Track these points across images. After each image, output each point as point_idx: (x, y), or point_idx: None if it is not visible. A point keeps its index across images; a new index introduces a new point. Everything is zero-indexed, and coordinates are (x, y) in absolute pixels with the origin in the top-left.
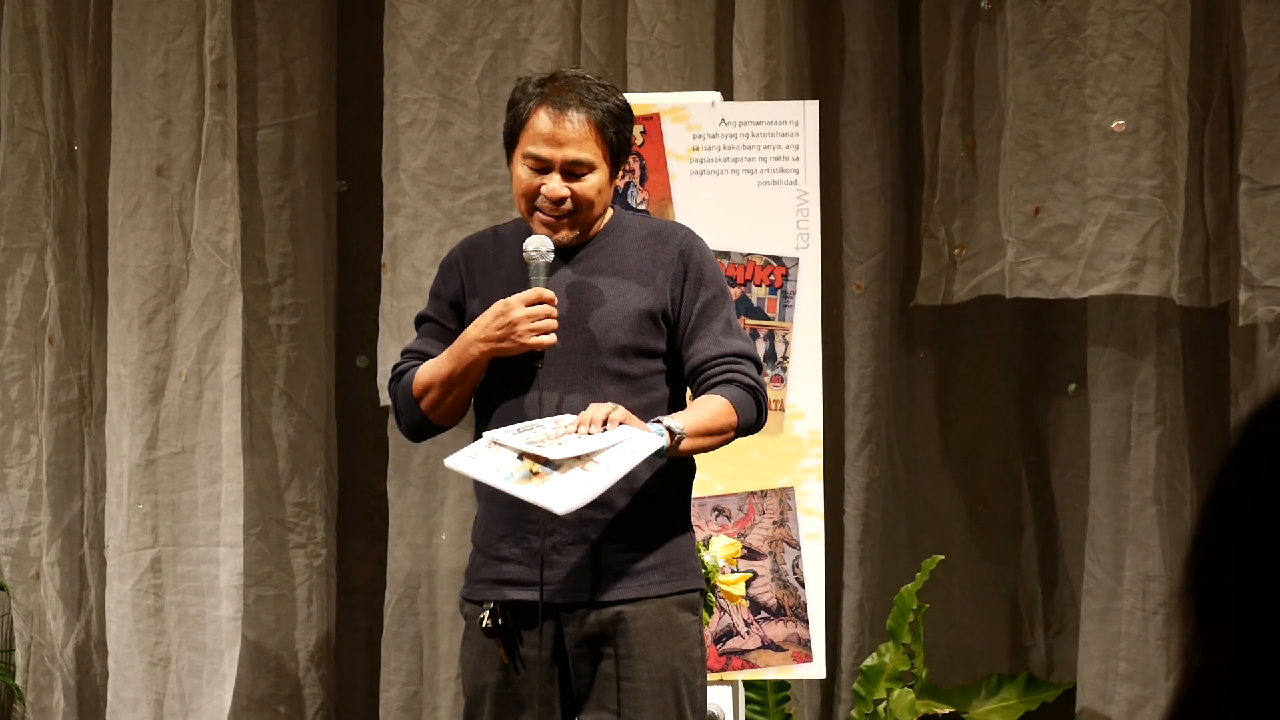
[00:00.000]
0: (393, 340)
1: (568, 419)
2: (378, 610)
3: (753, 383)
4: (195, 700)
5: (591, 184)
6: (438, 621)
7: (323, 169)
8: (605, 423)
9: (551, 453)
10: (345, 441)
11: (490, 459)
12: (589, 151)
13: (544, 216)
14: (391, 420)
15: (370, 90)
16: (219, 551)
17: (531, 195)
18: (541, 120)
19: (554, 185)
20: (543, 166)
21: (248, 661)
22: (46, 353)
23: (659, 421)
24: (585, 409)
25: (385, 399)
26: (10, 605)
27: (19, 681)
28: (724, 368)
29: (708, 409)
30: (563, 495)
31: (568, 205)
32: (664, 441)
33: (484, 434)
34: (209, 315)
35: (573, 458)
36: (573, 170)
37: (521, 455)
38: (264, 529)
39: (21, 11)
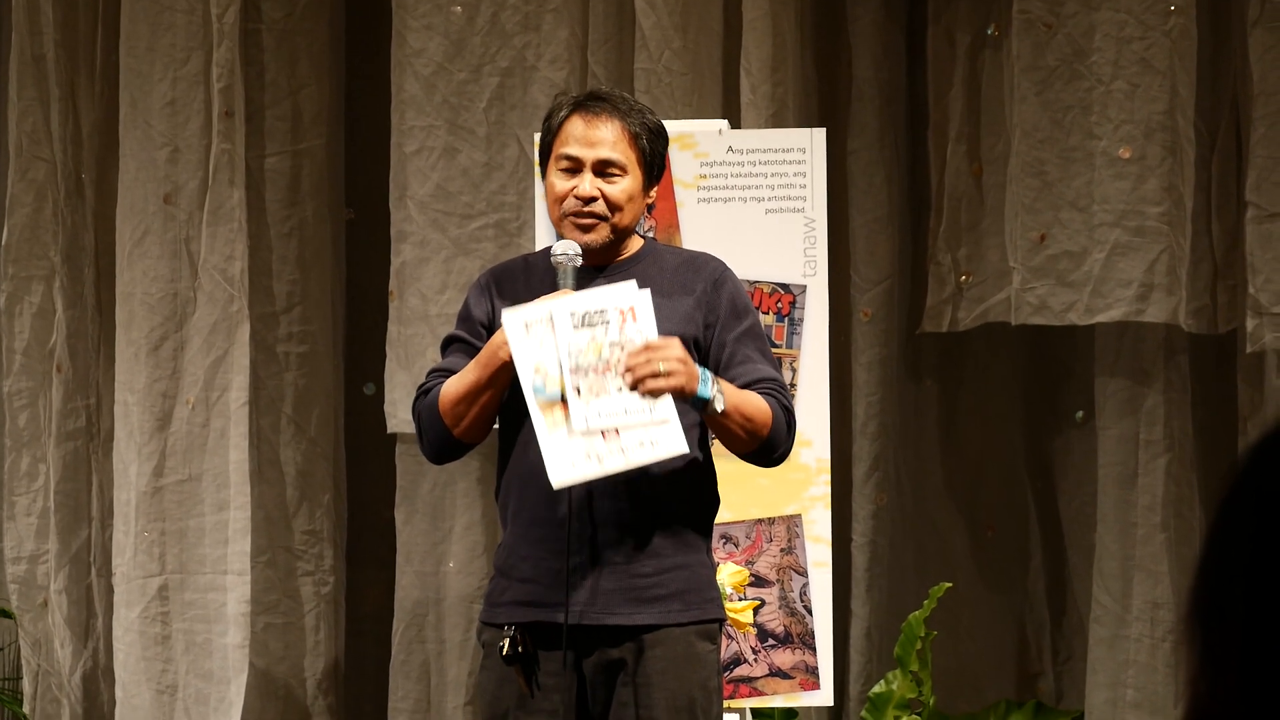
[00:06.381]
0: (400, 368)
1: (631, 330)
2: (386, 638)
3: (791, 408)
4: None
5: (622, 187)
6: (445, 649)
7: (330, 197)
8: (655, 376)
9: (577, 419)
10: (353, 469)
11: (540, 341)
12: (621, 154)
13: (574, 220)
14: (400, 447)
15: (378, 118)
16: (226, 579)
17: (564, 198)
18: (575, 124)
19: (584, 185)
20: (575, 166)
21: (255, 689)
22: (54, 381)
23: (706, 381)
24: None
25: (393, 426)
26: (18, 633)
27: (26, 709)
28: (767, 387)
29: (752, 398)
30: (564, 465)
31: (599, 207)
32: (684, 450)
33: (548, 301)
34: (216, 343)
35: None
36: (604, 171)
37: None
38: (272, 556)
39: (29, 39)
